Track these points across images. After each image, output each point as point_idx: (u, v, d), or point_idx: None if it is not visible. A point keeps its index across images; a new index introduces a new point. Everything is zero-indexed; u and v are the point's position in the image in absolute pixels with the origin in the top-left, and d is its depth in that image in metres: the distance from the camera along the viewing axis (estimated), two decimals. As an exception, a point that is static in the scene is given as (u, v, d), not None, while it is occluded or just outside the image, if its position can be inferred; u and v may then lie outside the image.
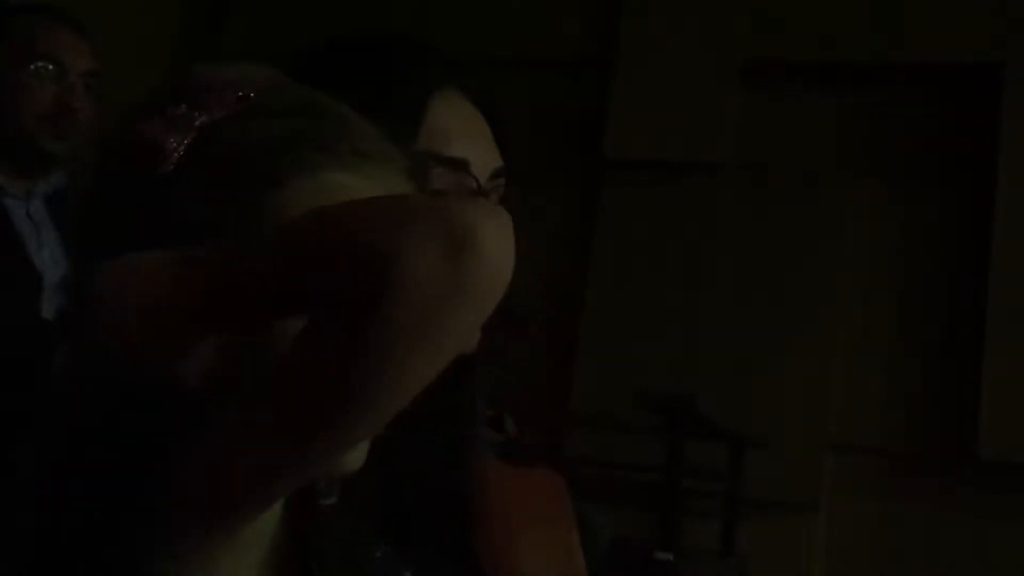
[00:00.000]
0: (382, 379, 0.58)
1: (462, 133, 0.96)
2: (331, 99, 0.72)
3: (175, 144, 0.66)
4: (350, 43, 0.99)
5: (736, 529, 3.52)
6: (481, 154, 0.97)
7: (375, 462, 0.70)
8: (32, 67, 1.88)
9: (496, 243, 0.59)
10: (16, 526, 0.68)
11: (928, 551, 3.47)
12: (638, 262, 3.86)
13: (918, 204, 3.69)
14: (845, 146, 3.78)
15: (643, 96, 3.89)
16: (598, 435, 3.67)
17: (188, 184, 0.66)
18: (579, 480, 1.34)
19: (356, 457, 0.69)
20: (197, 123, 0.67)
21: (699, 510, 3.52)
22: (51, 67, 1.89)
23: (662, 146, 3.88)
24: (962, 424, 3.45)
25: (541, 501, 1.22)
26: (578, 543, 1.19)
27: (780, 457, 3.55)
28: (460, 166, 0.95)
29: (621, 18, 3.98)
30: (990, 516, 3.43)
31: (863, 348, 3.66)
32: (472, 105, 0.99)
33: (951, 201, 3.66)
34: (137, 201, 0.66)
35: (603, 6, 4.05)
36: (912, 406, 3.58)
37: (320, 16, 3.91)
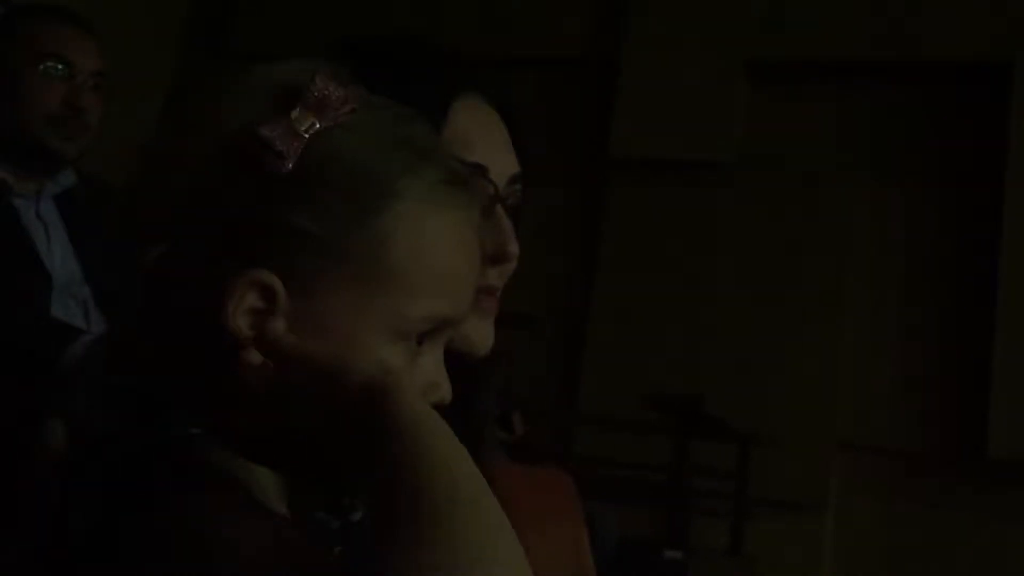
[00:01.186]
0: None
1: (481, 139, 0.96)
2: (425, 121, 0.75)
3: (295, 147, 0.67)
4: (370, 45, 0.99)
5: (744, 528, 3.51)
6: (500, 160, 0.97)
7: None
8: (41, 67, 1.88)
9: None
10: (24, 530, 0.68)
11: (937, 551, 3.46)
12: (644, 261, 3.86)
13: (925, 202, 3.68)
14: (851, 145, 3.78)
15: (648, 95, 3.89)
16: (606, 434, 3.67)
17: (305, 191, 0.67)
18: (587, 479, 1.34)
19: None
20: (312, 130, 0.68)
21: (707, 509, 3.51)
22: (60, 67, 1.88)
23: (668, 145, 3.87)
24: (971, 423, 3.44)
25: (551, 500, 1.22)
26: (587, 541, 1.19)
27: (788, 456, 3.55)
28: (479, 172, 0.95)
29: (626, 17, 3.99)
30: (999, 515, 3.42)
31: (871, 347, 3.65)
32: (492, 109, 0.99)
33: (958, 200, 3.65)
34: (253, 201, 0.67)
35: (608, 5, 4.05)
36: (920, 405, 3.57)
37: (325, 15, 3.91)
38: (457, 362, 0.94)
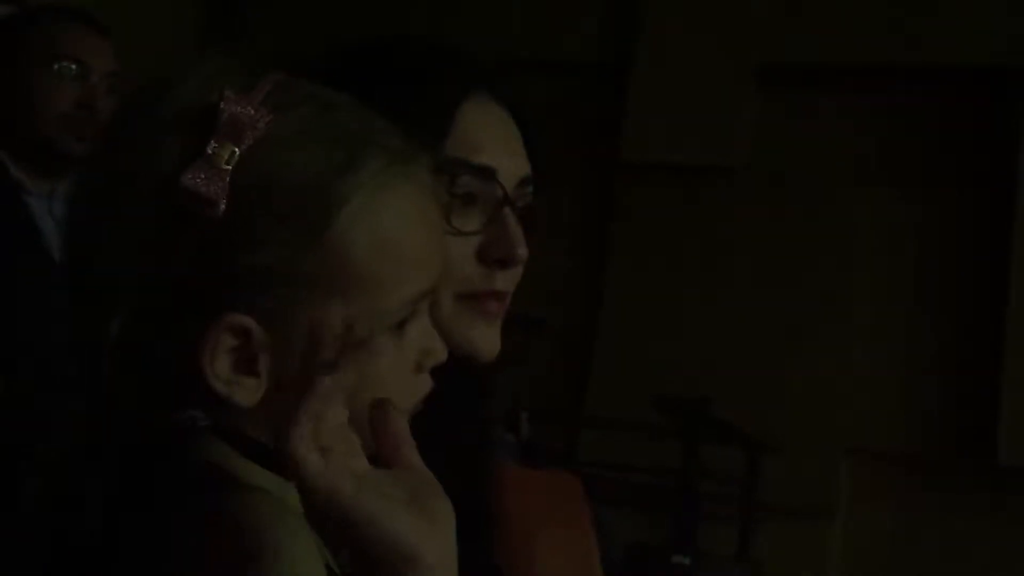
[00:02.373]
0: None
1: (491, 140, 0.95)
2: (351, 104, 0.71)
3: (221, 188, 0.64)
4: (379, 46, 0.98)
5: (752, 533, 3.51)
6: (509, 161, 0.96)
7: None
8: (55, 67, 1.89)
9: None
10: (28, 529, 0.68)
11: (946, 557, 3.46)
12: (654, 265, 3.86)
13: (935, 208, 3.68)
14: (861, 149, 3.77)
15: (660, 99, 3.89)
16: (614, 438, 3.67)
17: (248, 227, 0.65)
18: (594, 483, 1.34)
19: None
20: (233, 160, 0.64)
21: (715, 514, 3.51)
22: (74, 68, 1.89)
23: (678, 149, 3.87)
24: (981, 429, 3.43)
25: (558, 503, 1.22)
26: (595, 545, 1.19)
27: (797, 462, 3.55)
28: (488, 175, 0.94)
29: (638, 21, 3.99)
30: (1008, 522, 3.41)
31: (880, 352, 3.64)
32: (503, 110, 0.97)
33: (968, 205, 3.64)
34: (199, 252, 0.65)
35: (620, 9, 4.05)
36: (930, 411, 3.57)
37: (337, 17, 3.92)
38: (464, 366, 0.94)
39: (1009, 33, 3.56)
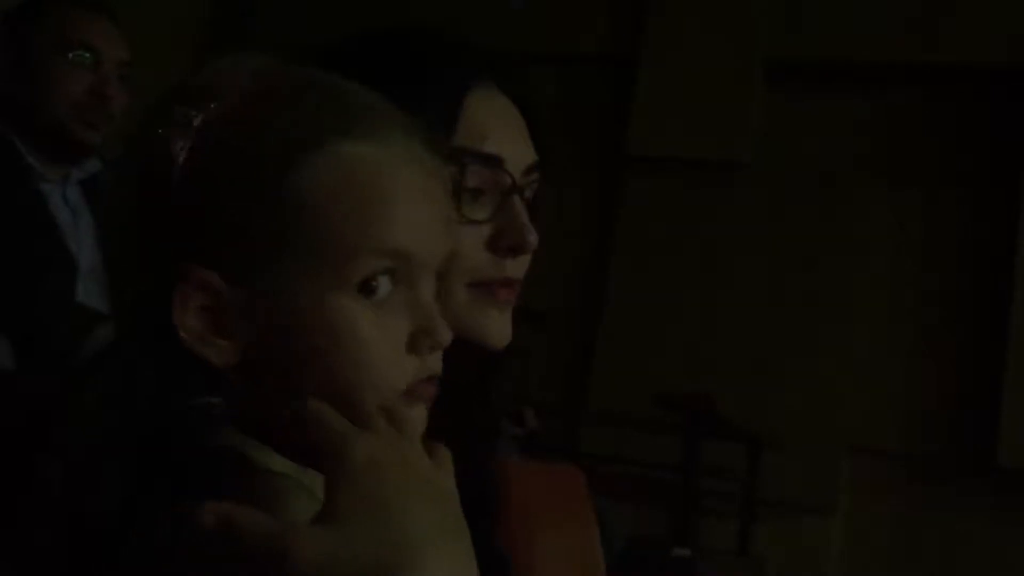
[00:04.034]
0: None
1: (497, 129, 0.95)
2: (331, 76, 0.72)
3: (180, 149, 0.67)
4: (385, 37, 0.99)
5: (752, 529, 3.52)
6: (516, 150, 0.96)
7: None
8: (69, 55, 1.89)
9: None
10: (41, 525, 0.69)
11: (945, 556, 3.47)
12: (658, 259, 3.87)
13: (940, 206, 3.68)
14: (867, 147, 3.78)
15: (666, 94, 3.89)
16: (616, 432, 3.68)
17: (207, 184, 0.67)
18: (596, 477, 1.35)
19: None
20: (196, 123, 0.67)
21: (716, 509, 3.52)
22: (87, 56, 1.90)
23: (684, 144, 3.88)
24: (982, 430, 3.44)
25: (561, 496, 1.23)
26: (598, 538, 1.20)
27: (798, 458, 3.56)
28: (495, 163, 0.95)
29: (646, 17, 3.99)
30: (1008, 522, 3.42)
31: (882, 351, 3.65)
32: (509, 100, 0.98)
33: (974, 202, 3.64)
34: (167, 210, 0.67)
35: (628, 4, 4.05)
36: (931, 410, 3.57)
37: (344, 9, 3.92)
38: (473, 355, 0.95)
39: (1015, 33, 3.56)
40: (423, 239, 0.70)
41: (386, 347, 0.68)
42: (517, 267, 0.96)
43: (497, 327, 0.95)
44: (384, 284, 0.68)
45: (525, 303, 0.99)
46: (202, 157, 0.67)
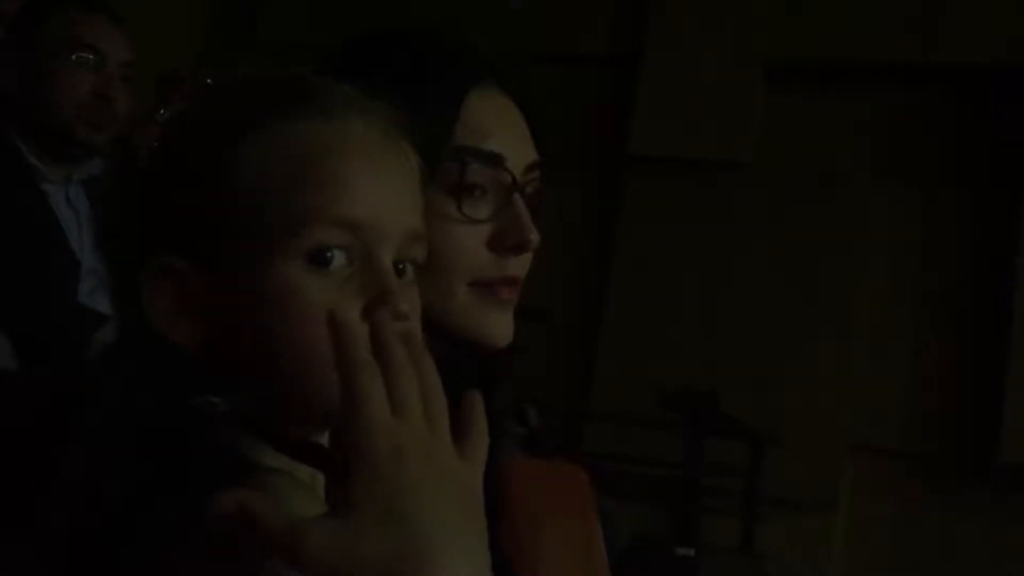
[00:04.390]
0: None
1: (498, 127, 0.96)
2: (299, 70, 0.75)
3: (149, 143, 0.71)
4: (386, 37, 1.00)
5: (755, 527, 3.52)
6: (516, 148, 0.97)
7: None
8: (73, 57, 1.90)
9: None
10: (53, 524, 0.69)
11: (947, 554, 3.47)
12: (660, 258, 3.87)
13: (941, 206, 3.68)
14: (868, 146, 3.78)
15: (668, 94, 3.90)
16: (618, 430, 3.68)
17: (167, 175, 0.71)
18: (599, 475, 1.35)
19: None
20: (163, 118, 0.71)
21: (718, 507, 3.53)
22: (91, 57, 1.90)
23: (686, 143, 3.88)
24: (983, 427, 3.44)
25: (564, 495, 1.23)
26: (600, 536, 1.20)
27: (800, 456, 3.56)
28: (496, 161, 0.95)
29: (647, 16, 3.99)
30: (1010, 519, 3.42)
31: (883, 349, 3.65)
32: (509, 99, 0.99)
33: (975, 201, 3.64)
34: (139, 200, 0.72)
35: (630, 4, 4.05)
36: (934, 408, 3.57)
37: (349, 7, 3.92)
38: (475, 354, 0.95)
39: (1016, 33, 3.56)
40: (378, 211, 0.70)
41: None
42: (518, 266, 0.97)
43: (499, 326, 0.96)
44: (339, 257, 0.69)
45: (527, 301, 0.99)
46: (164, 149, 0.71)
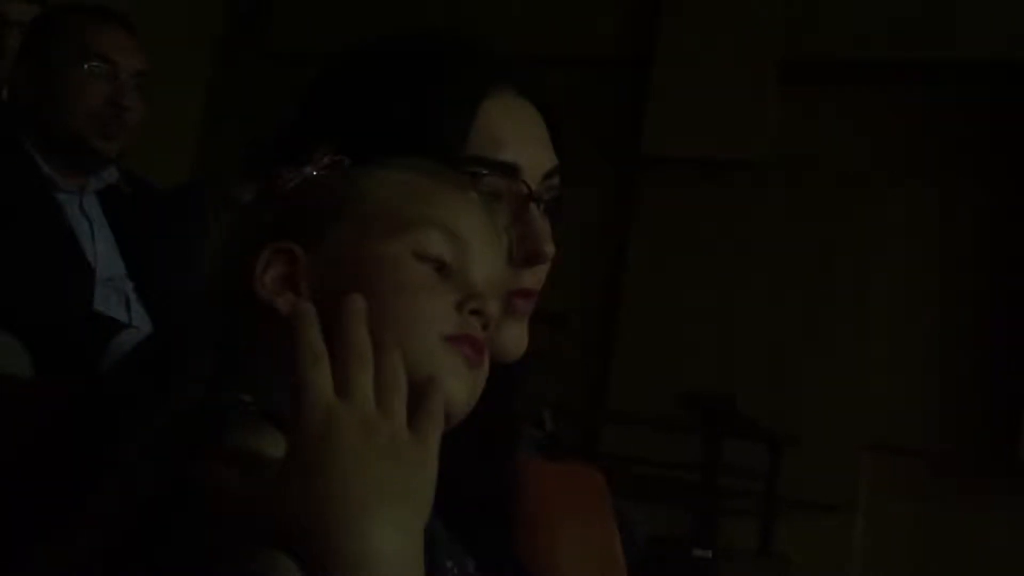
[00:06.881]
0: None
1: (514, 136, 0.93)
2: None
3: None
4: (401, 40, 0.98)
5: (773, 528, 3.51)
6: (534, 156, 0.94)
7: None
8: (85, 67, 1.91)
9: None
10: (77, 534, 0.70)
11: (966, 553, 3.45)
12: (675, 259, 3.86)
13: (958, 202, 3.67)
14: (884, 144, 3.77)
15: (681, 94, 3.89)
16: (636, 432, 3.68)
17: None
18: (616, 478, 1.34)
19: None
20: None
21: (737, 509, 3.52)
22: (104, 67, 1.92)
23: (700, 144, 3.88)
24: (1003, 426, 3.42)
25: (581, 498, 1.23)
26: (618, 540, 1.20)
27: (818, 457, 3.55)
28: (511, 172, 0.93)
29: (660, 16, 3.99)
30: (1030, 519, 3.40)
31: (902, 348, 3.64)
32: (528, 103, 0.96)
33: (993, 199, 3.63)
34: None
35: (642, 4, 4.05)
36: (951, 407, 3.56)
37: (361, 14, 3.94)
38: (490, 364, 0.95)
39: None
40: (480, 243, 0.78)
41: (432, 297, 0.74)
42: (533, 277, 0.95)
43: (512, 338, 0.94)
44: (439, 255, 0.76)
45: (544, 304, 0.98)
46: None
